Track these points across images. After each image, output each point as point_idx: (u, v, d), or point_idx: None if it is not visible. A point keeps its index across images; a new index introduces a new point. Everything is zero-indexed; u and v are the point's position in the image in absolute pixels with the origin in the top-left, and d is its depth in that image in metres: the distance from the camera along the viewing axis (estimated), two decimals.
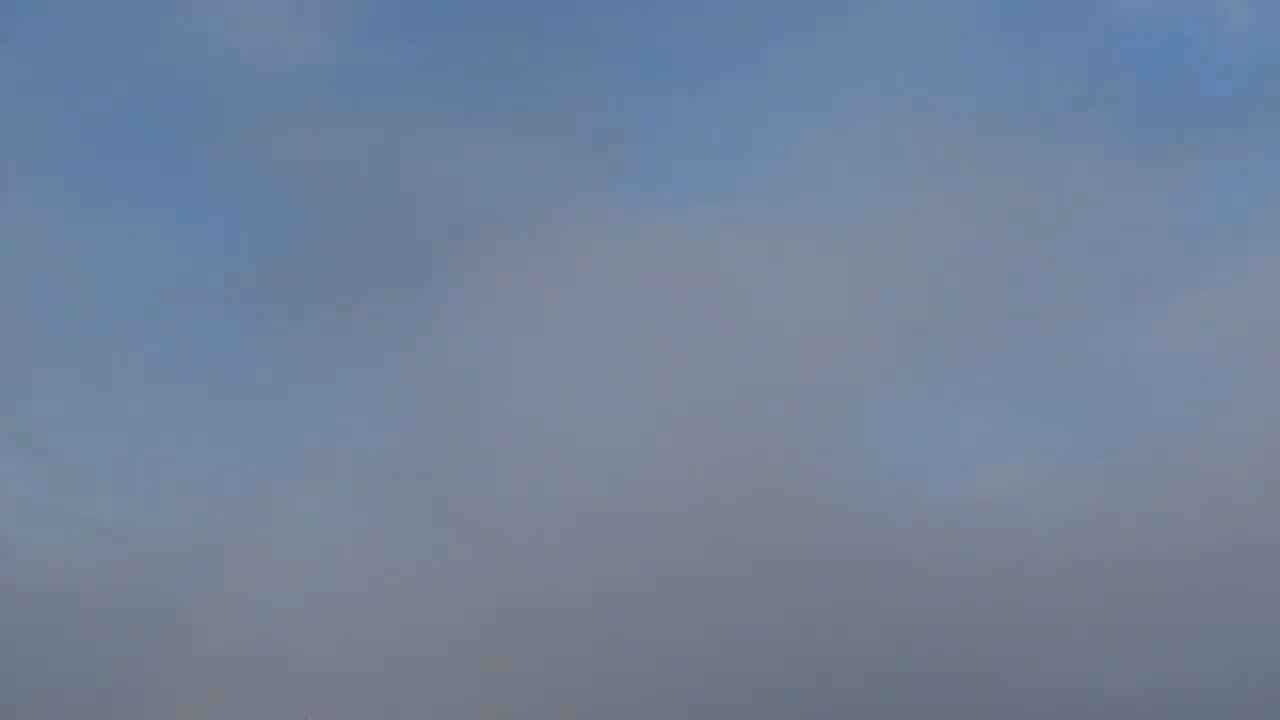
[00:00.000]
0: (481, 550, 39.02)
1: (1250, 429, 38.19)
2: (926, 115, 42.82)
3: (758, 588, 37.79)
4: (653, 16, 44.87)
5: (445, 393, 41.51)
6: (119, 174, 44.64)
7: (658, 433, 40.36)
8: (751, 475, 39.69)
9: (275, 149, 43.80)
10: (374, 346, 41.97)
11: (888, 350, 41.32)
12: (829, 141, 43.06)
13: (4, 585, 37.38)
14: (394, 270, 42.87)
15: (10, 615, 37.14)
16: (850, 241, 42.29)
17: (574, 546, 38.81)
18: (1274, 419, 38.16)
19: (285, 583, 38.91)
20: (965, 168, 42.69)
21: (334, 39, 44.79)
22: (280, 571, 39.11)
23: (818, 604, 37.33)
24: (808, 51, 43.76)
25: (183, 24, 44.69)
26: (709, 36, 44.63)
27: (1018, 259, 41.92)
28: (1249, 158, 41.63)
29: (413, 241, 43.29)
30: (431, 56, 44.81)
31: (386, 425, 41.02)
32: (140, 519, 39.42)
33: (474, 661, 37.68)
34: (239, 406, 41.18)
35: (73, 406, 41.04)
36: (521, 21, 44.98)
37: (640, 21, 44.83)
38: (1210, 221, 41.52)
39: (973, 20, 44.14)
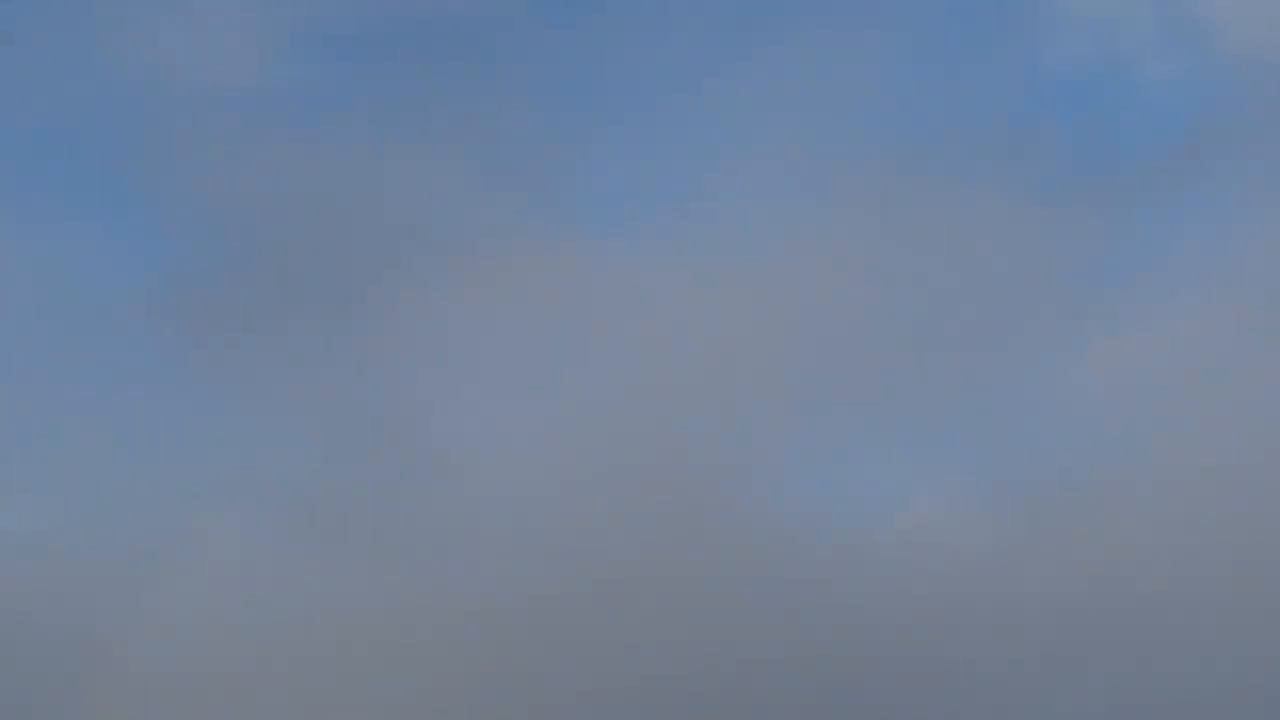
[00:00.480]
0: (408, 577, 39.04)
1: (1162, 472, 38.95)
2: (855, 153, 43.49)
3: (681, 618, 38.05)
4: (586, 45, 45.24)
5: (372, 417, 41.47)
6: (48, 189, 44.40)
7: (583, 461, 40.64)
8: (674, 506, 40.07)
9: (204, 169, 43.67)
10: (301, 368, 41.99)
11: (812, 384, 41.92)
12: (758, 175, 43.62)
13: None
14: (323, 292, 42.79)
15: None
16: (776, 275, 42.81)
17: (500, 574, 38.91)
18: (1188, 463, 39.06)
19: (206, 605, 38.80)
20: (889, 206, 43.38)
21: (265, 60, 44.74)
22: (202, 594, 39.01)
23: (741, 633, 37.83)
24: (740, 85, 44.25)
25: (115, 41, 44.56)
26: (641, 66, 45.00)
27: (940, 299, 42.67)
28: (1168, 204, 42.42)
29: (342, 264, 43.23)
30: (363, 79, 44.90)
31: (311, 449, 40.87)
32: (59, 538, 39.08)
33: (395, 688, 37.76)
34: (162, 426, 41.04)
35: None
36: (454, 47, 45.18)
37: (573, 50, 45.17)
38: (1129, 266, 42.36)
39: (902, 60, 44.93)
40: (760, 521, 39.93)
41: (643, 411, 41.39)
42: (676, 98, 44.25)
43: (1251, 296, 40.94)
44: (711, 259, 42.72)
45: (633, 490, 40.12)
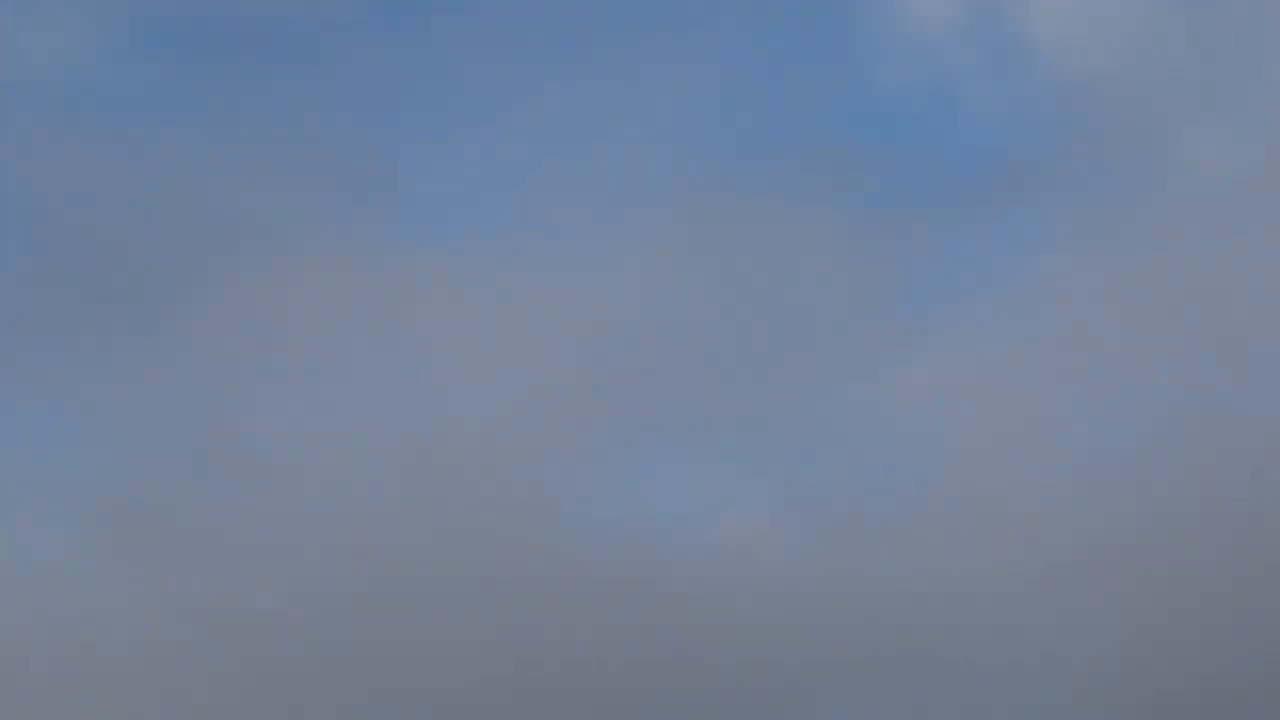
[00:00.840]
0: (210, 580, 38.43)
1: (970, 488, 39.26)
2: (677, 168, 43.60)
3: (490, 627, 37.82)
4: (412, 51, 45.00)
5: (178, 420, 40.95)
6: None
7: (394, 469, 40.27)
8: (490, 515, 39.80)
9: (14, 164, 43.05)
10: (107, 369, 41.24)
11: (628, 396, 41.81)
12: (579, 188, 43.60)
13: None
14: (132, 292, 42.19)
15: None
16: (596, 287, 42.78)
17: (301, 577, 38.44)
18: (994, 478, 39.34)
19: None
20: (712, 222, 43.51)
21: (82, 54, 44.11)
22: None
23: (549, 643, 37.55)
24: (566, 97, 44.28)
25: None
26: (468, 74, 44.85)
27: (759, 315, 42.77)
28: (988, 230, 42.76)
29: (154, 264, 42.60)
30: (184, 77, 44.34)
31: (114, 450, 40.21)
32: None
33: (192, 691, 37.09)
34: None
35: None
36: (279, 48, 44.80)
37: (400, 56, 44.93)
38: (946, 290, 42.64)
39: (728, 76, 45.14)
40: (571, 532, 39.78)
41: (457, 421, 41.08)
42: (501, 107, 44.20)
43: (1064, 324, 41.33)
44: (530, 270, 42.61)
45: (443, 498, 39.79)
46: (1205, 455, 38.04)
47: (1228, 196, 40.88)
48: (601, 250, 42.83)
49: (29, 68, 43.48)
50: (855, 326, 41.97)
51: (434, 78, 44.40)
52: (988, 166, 43.33)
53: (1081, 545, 37.38)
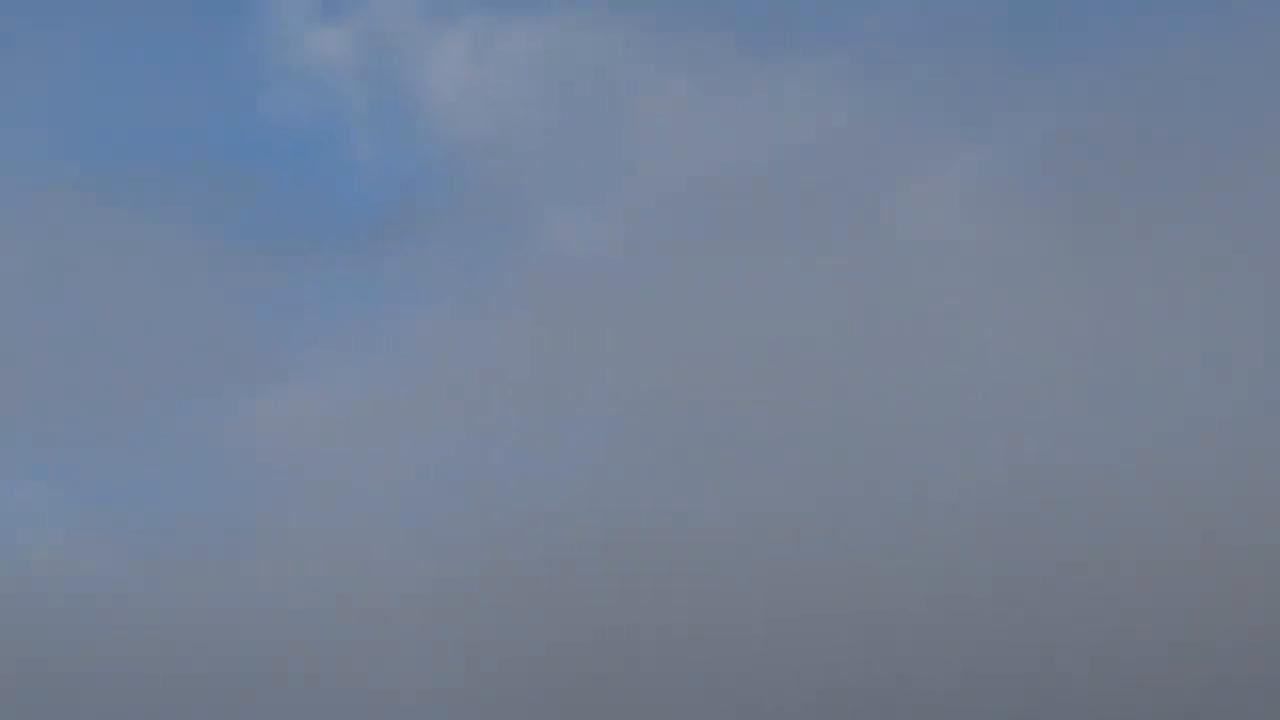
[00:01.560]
0: None
1: (303, 523, 39.85)
2: (47, 170, 42.50)
3: None
4: None
5: None
6: None
7: None
8: None
9: None
10: None
11: None
12: None
13: None
14: None
15: None
16: None
17: None
18: (335, 514, 39.82)
19: None
20: (75, 229, 42.57)
21: None
22: None
23: None
24: None
25: None
26: None
27: (109, 330, 41.99)
28: (362, 273, 43.56)
29: None
30: None
31: None
32: None
33: None
34: None
35: None
36: None
37: None
38: (313, 327, 43.04)
39: (104, 82, 44.30)
40: None
41: None
42: None
43: (428, 370, 42.28)
44: None
45: None
46: (551, 505, 39.67)
47: (587, 265, 43.07)
48: None
49: None
50: (215, 354, 41.78)
51: None
52: (371, 212, 44.18)
53: (411, 586, 38.21)
